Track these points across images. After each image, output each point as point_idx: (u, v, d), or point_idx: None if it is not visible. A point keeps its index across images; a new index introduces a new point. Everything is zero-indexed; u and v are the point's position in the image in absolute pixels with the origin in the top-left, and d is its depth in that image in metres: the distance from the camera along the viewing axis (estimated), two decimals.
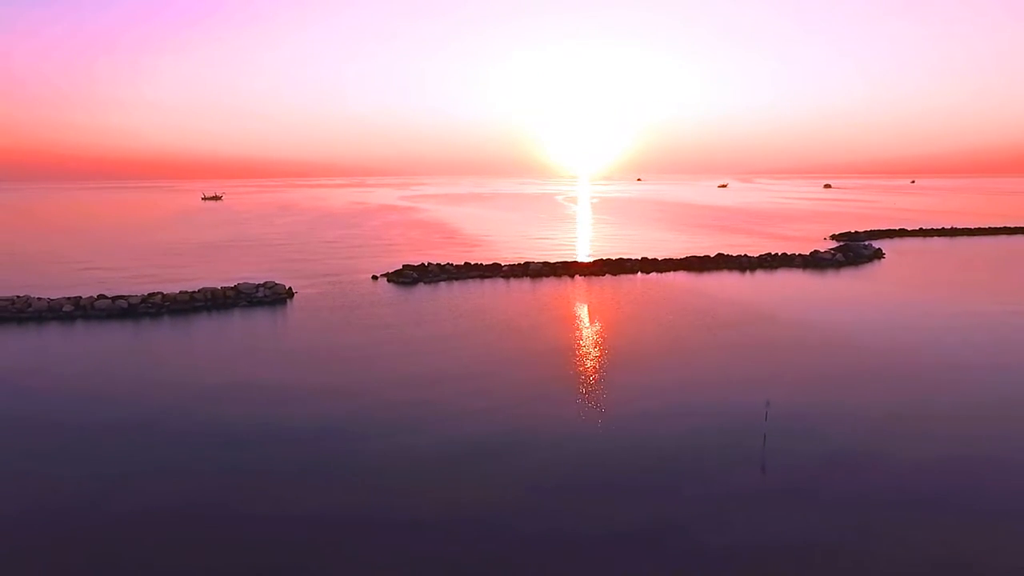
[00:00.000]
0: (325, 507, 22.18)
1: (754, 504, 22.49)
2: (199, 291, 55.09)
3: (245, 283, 57.69)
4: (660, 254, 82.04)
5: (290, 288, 59.86)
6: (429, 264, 71.78)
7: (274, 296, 57.04)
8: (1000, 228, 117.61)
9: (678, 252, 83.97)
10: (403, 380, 35.35)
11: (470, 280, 68.38)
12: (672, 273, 73.35)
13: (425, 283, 66.65)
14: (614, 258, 77.85)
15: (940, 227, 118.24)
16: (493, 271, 71.46)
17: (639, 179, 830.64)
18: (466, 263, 73.48)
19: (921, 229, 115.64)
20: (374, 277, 69.67)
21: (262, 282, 58.61)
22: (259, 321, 50.93)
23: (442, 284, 66.30)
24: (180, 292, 54.59)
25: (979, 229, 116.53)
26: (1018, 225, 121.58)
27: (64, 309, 50.79)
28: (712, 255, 79.28)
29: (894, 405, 31.42)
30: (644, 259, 77.61)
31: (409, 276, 67.66)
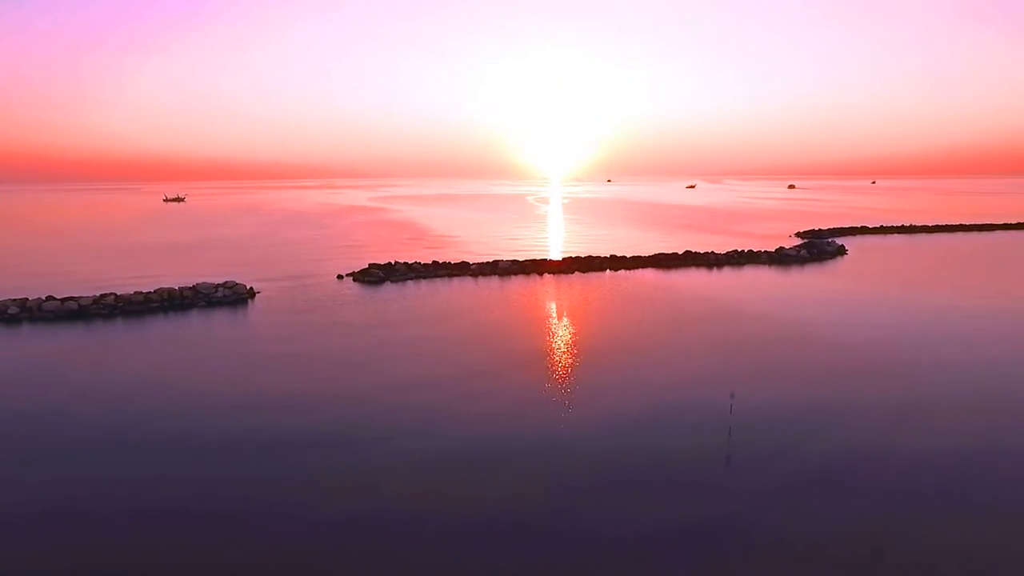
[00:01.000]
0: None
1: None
2: (154, 291, 53.15)
3: (204, 283, 55.87)
4: (629, 252, 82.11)
5: (251, 288, 58.19)
6: (396, 263, 70.64)
7: (235, 296, 55.36)
8: (955, 225, 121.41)
9: (647, 250, 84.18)
10: (377, 384, 34.04)
11: (438, 279, 67.46)
12: (641, 270, 73.47)
13: (392, 282, 65.52)
14: (583, 256, 77.75)
15: (899, 224, 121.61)
16: (461, 270, 70.64)
17: (609, 180, 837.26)
18: (434, 262, 72.53)
19: (881, 227, 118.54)
20: (339, 277, 68.25)
21: (222, 282, 56.83)
22: (218, 322, 49.33)
23: (409, 283, 65.25)
24: (134, 293, 52.58)
25: (935, 226, 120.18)
26: (971, 223, 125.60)
27: (9, 311, 48.42)
28: (680, 252, 79.68)
29: (862, 397, 31.66)
30: (613, 256, 77.64)
31: (375, 275, 66.46)
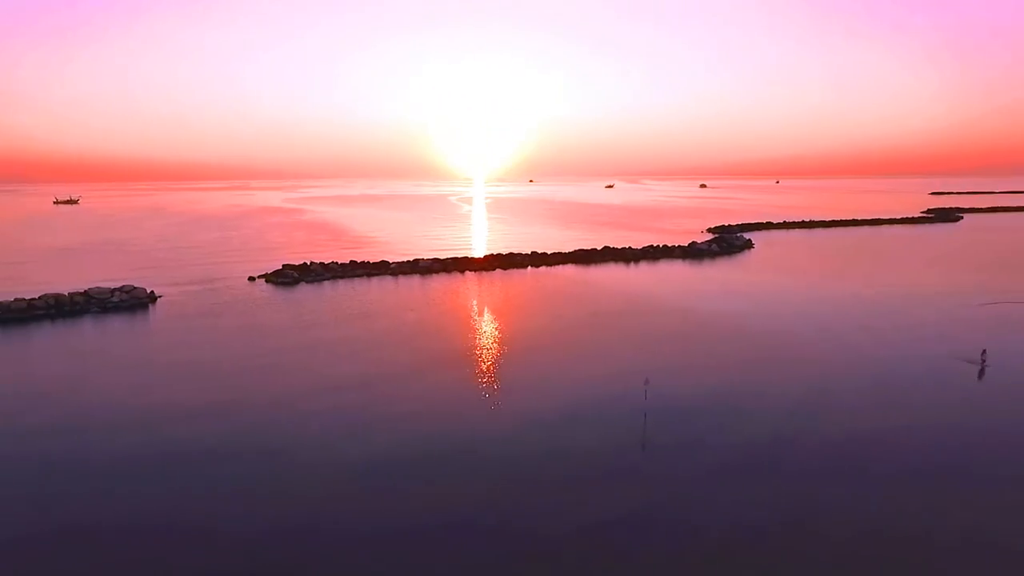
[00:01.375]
0: (247, 529, 19.60)
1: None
2: (39, 297, 48.66)
3: (98, 288, 51.75)
4: (549, 248, 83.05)
5: (152, 292, 54.43)
6: (312, 263, 68.17)
7: (133, 301, 51.60)
8: (849, 220, 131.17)
9: (567, 247, 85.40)
10: (292, 390, 32.25)
11: (356, 279, 65.63)
12: (561, 266, 74.48)
13: (308, 283, 63.14)
14: (505, 253, 77.91)
15: (800, 220, 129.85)
16: (381, 269, 69.04)
17: (531, 181, 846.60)
18: (352, 261, 70.51)
19: (784, 222, 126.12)
20: (251, 278, 65.08)
21: (119, 286, 52.84)
22: (114, 330, 45.79)
23: (326, 284, 63.11)
24: (15, 300, 47.93)
25: (831, 221, 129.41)
26: (862, 218, 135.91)
27: None
28: (599, 248, 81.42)
29: (772, 384, 33.23)
30: (534, 253, 78.24)
31: (289, 276, 63.82)
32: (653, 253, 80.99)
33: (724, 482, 22.39)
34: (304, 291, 59.34)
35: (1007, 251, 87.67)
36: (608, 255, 79.30)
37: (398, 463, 23.81)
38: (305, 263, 68.10)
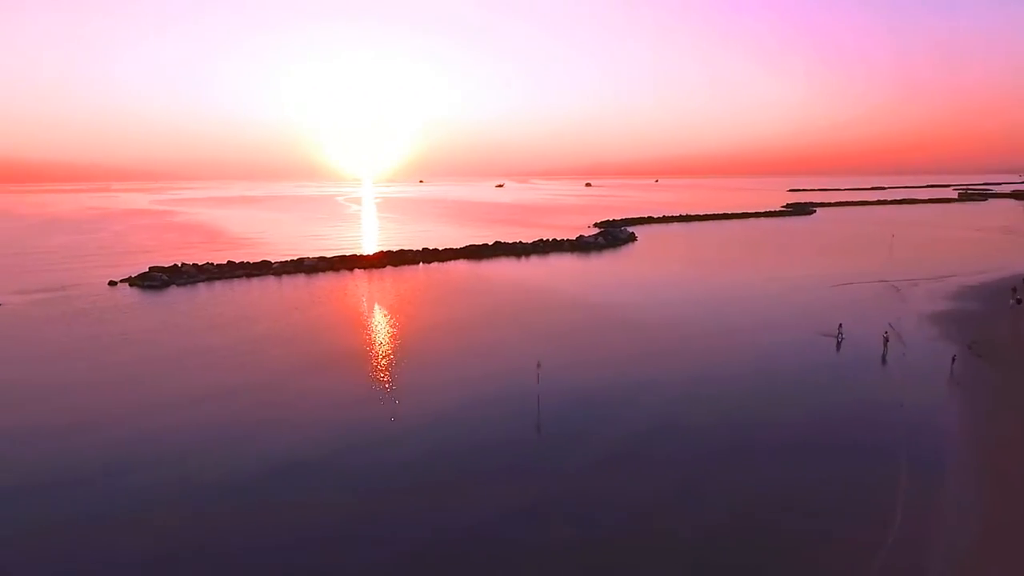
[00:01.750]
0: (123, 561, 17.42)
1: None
2: None
3: None
4: (441, 245, 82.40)
5: None
6: (183, 264, 63.16)
7: None
8: (720, 214, 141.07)
9: (459, 243, 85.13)
10: (156, 401, 29.33)
11: (235, 280, 61.56)
12: (453, 262, 74.10)
13: (179, 285, 58.37)
14: (395, 250, 76.35)
15: (678, 214, 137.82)
16: (262, 269, 65.23)
17: (421, 181, 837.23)
18: (229, 262, 66.08)
19: (664, 216, 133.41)
20: (112, 283, 59.17)
21: None
22: None
23: (201, 286, 58.64)
24: None
25: (706, 215, 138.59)
26: (732, 212, 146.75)
27: None
28: (490, 244, 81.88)
29: (658, 370, 34.74)
30: (426, 250, 77.29)
31: (157, 279, 58.64)
32: (543, 247, 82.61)
33: (612, 467, 23.08)
34: (174, 295, 54.75)
35: (850, 239, 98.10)
36: (499, 250, 79.91)
37: (263, 477, 21.91)
38: (176, 265, 62.99)
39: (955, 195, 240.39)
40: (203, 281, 60.37)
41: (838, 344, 37.19)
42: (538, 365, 29.34)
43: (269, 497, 20.63)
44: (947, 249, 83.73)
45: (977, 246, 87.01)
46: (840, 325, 39.41)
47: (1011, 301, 47.56)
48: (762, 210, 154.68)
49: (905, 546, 17.50)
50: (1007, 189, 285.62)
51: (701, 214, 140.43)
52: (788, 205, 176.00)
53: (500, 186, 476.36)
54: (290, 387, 31.07)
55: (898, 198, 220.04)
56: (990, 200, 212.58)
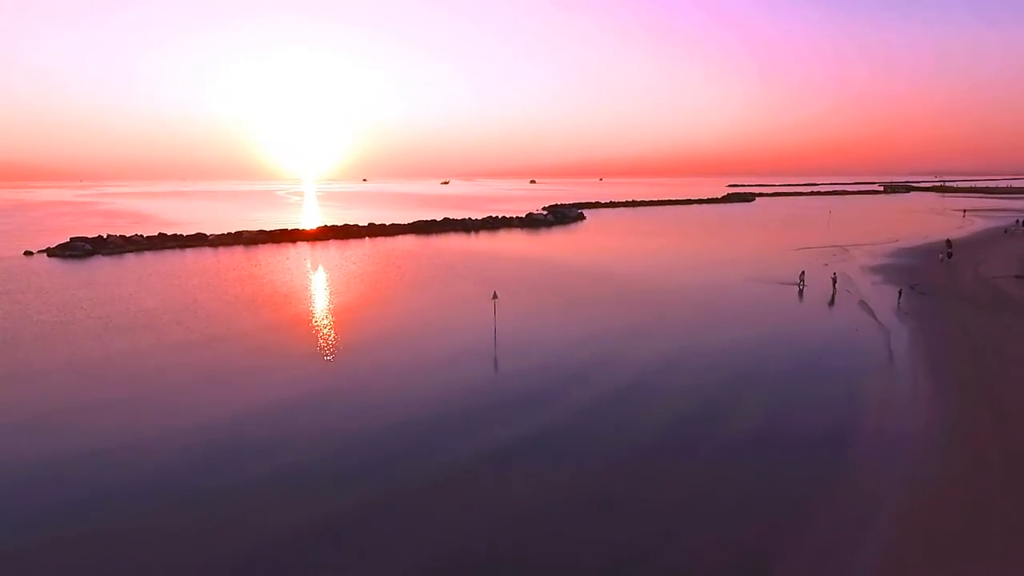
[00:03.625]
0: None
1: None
2: None
3: None
4: (388, 222, 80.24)
5: None
6: (109, 236, 58.96)
7: None
8: (666, 200, 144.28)
9: (406, 220, 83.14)
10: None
11: (167, 251, 57.87)
12: (401, 237, 72.11)
13: (104, 255, 54.38)
14: (340, 225, 73.78)
15: (625, 200, 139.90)
16: (197, 241, 61.68)
17: (364, 179, 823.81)
18: (160, 234, 62.21)
19: (611, 202, 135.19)
20: (28, 253, 54.63)
21: None
22: None
23: (129, 255, 54.78)
24: None
25: (652, 201, 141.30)
26: (677, 198, 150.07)
27: None
28: (439, 219, 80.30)
29: (615, 320, 34.15)
30: (372, 225, 75.05)
31: (80, 248, 54.47)
32: (493, 223, 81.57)
33: (577, 390, 22.26)
34: (99, 263, 50.86)
35: (793, 217, 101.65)
36: (448, 225, 78.39)
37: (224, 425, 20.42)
38: (101, 236, 58.70)
39: (881, 189, 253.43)
40: (131, 251, 56.50)
41: (800, 290, 37.95)
42: (494, 296, 28.36)
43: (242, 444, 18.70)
44: (880, 223, 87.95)
45: (906, 221, 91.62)
46: (802, 272, 40.54)
47: (941, 256, 50.98)
48: (705, 197, 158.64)
49: (879, 414, 17.35)
50: (926, 186, 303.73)
51: (648, 200, 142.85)
52: (730, 194, 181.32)
53: (446, 183, 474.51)
54: (259, 340, 28.94)
55: (828, 191, 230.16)
56: (912, 193, 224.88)
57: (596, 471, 15.47)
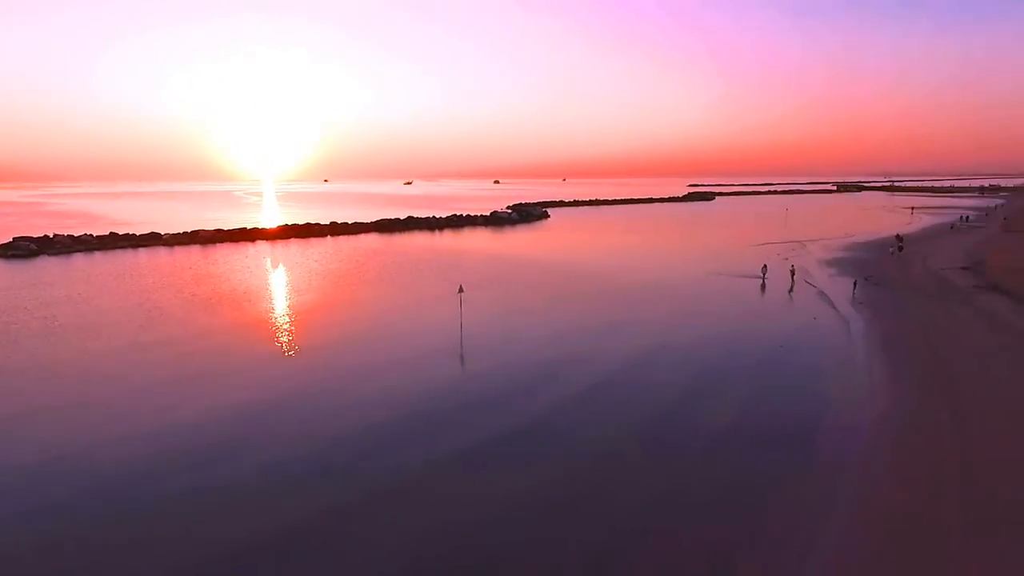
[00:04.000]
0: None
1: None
2: None
3: None
4: (351, 220, 79.07)
5: None
6: (56, 235, 56.55)
7: None
8: (629, 199, 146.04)
9: (369, 218, 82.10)
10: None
11: (119, 251, 55.78)
12: (364, 235, 71.15)
13: (51, 255, 52.12)
14: (302, 224, 72.36)
15: (589, 199, 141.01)
16: (151, 240, 59.65)
17: (326, 180, 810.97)
18: (112, 233, 59.98)
19: (575, 200, 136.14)
20: None
21: None
22: None
23: (77, 255, 52.62)
24: None
25: (616, 200, 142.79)
26: (640, 197, 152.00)
27: None
28: (402, 218, 79.48)
29: (582, 313, 34.18)
30: (334, 223, 73.87)
31: (24, 248, 52.08)
32: (457, 221, 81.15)
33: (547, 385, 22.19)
34: (44, 264, 48.70)
35: (752, 215, 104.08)
36: (412, 224, 77.66)
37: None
38: (47, 236, 56.25)
39: (834, 188, 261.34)
40: (80, 251, 54.31)
41: (763, 283, 38.74)
42: (460, 289, 28.11)
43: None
44: (835, 220, 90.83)
45: (859, 218, 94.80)
46: (764, 266, 41.51)
47: (892, 250, 52.91)
48: (667, 196, 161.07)
49: (840, 403, 17.73)
50: (877, 186, 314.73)
51: (611, 199, 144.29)
52: (691, 193, 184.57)
53: (409, 183, 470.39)
54: (217, 340, 28.00)
55: (785, 190, 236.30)
56: (863, 192, 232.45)
57: (564, 471, 15.32)
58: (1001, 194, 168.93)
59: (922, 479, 14.30)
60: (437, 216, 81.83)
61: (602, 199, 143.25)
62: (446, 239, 67.77)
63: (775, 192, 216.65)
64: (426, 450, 16.13)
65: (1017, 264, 39.10)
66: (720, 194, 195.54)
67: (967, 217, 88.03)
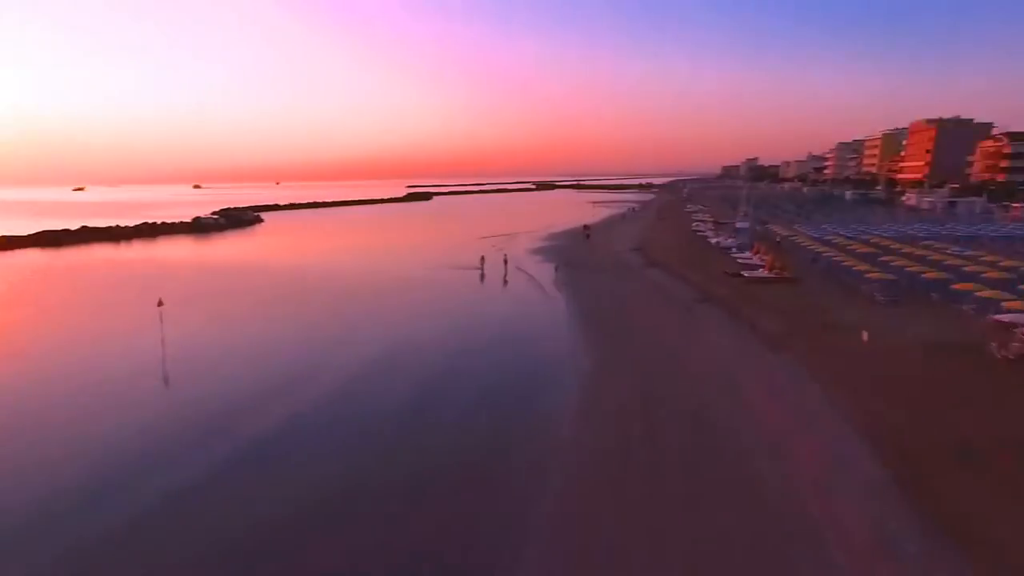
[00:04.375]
0: None
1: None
2: None
3: None
4: None
5: None
6: None
7: None
8: (349, 201, 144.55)
9: (26, 231, 66.34)
10: None
11: None
12: (22, 251, 57.32)
13: None
14: None
15: (306, 202, 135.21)
16: None
17: None
18: None
19: (292, 204, 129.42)
20: None
21: None
22: None
23: None
24: None
25: (334, 202, 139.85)
26: (360, 199, 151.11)
27: None
28: (74, 228, 65.99)
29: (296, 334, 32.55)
30: None
31: None
32: (150, 231, 70.46)
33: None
34: None
35: (465, 214, 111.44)
36: (88, 235, 65.02)
37: None
38: None
39: (534, 187, 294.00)
40: None
41: (482, 273, 41.54)
42: (160, 303, 24.55)
43: None
44: (536, 213, 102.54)
45: (555, 212, 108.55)
46: (482, 257, 44.66)
47: (583, 236, 61.72)
48: (387, 197, 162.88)
49: (556, 367, 20.02)
50: (566, 184, 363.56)
51: (330, 201, 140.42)
52: (410, 194, 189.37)
53: (81, 189, 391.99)
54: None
55: (494, 189, 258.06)
56: (556, 190, 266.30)
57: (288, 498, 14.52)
58: (653, 190, 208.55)
59: (618, 431, 17.04)
60: (122, 225, 69.95)
61: (320, 202, 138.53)
62: (137, 250, 58.41)
63: (485, 191, 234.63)
64: (120, 503, 13.65)
65: (667, 244, 49.08)
66: (437, 194, 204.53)
67: (634, 208, 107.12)
